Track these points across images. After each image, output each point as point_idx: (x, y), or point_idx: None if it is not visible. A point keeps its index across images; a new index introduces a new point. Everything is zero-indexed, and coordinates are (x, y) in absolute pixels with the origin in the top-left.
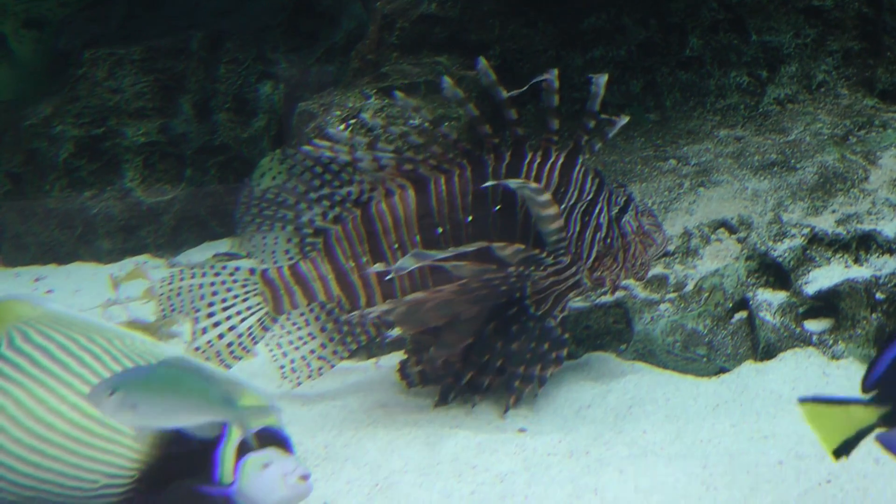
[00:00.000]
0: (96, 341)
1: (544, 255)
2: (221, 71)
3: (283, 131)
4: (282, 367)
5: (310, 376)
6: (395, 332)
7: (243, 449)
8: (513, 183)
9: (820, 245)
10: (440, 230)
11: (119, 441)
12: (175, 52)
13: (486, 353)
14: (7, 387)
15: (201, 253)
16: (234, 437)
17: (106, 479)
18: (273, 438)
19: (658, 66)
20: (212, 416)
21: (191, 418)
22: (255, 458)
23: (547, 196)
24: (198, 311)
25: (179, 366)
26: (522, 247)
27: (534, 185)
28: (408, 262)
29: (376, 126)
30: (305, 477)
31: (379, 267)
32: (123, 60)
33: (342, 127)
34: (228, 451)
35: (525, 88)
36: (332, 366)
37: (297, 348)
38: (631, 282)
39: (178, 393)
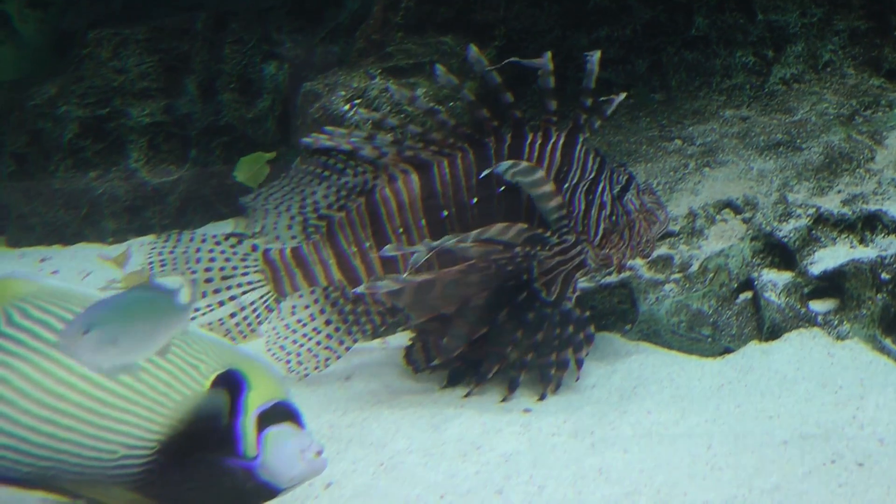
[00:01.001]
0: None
1: (548, 234)
2: (226, 51)
3: (287, 111)
4: (287, 359)
5: (317, 367)
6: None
7: (263, 423)
8: (502, 166)
9: (825, 225)
10: (445, 213)
11: (136, 412)
12: (180, 32)
13: (507, 345)
14: (12, 361)
15: (207, 232)
16: (252, 411)
17: (125, 450)
18: (287, 413)
19: (664, 45)
20: (179, 323)
21: (165, 337)
22: (275, 433)
23: (540, 174)
24: (194, 272)
25: (142, 290)
26: (525, 226)
27: (524, 163)
28: (421, 254)
29: (382, 105)
30: (321, 452)
31: (390, 249)
32: (128, 40)
33: (347, 107)
34: (248, 424)
35: (503, 65)
36: (339, 356)
37: (303, 338)
38: (637, 260)
39: (151, 316)
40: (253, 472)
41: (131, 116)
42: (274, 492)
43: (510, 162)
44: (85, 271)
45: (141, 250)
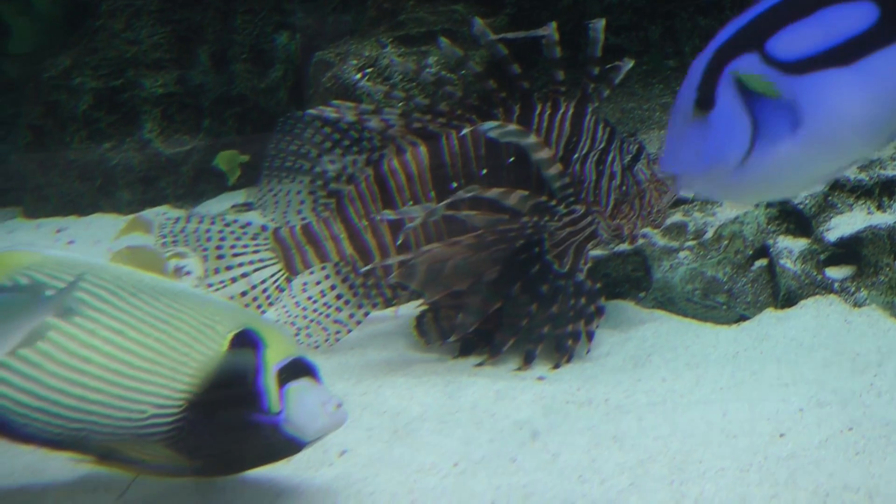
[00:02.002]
0: (106, 279)
1: (554, 202)
2: (238, 21)
3: (300, 81)
4: (297, 333)
5: (327, 341)
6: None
7: (282, 379)
8: (487, 125)
9: (842, 191)
10: (454, 184)
11: (162, 372)
12: (191, 2)
13: (523, 318)
14: None
15: (220, 203)
16: (272, 366)
17: (154, 409)
18: (304, 369)
19: (677, 11)
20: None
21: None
22: (295, 387)
23: (534, 139)
24: (206, 249)
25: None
26: (526, 193)
27: (515, 127)
28: (418, 219)
29: (393, 74)
30: (340, 405)
31: (390, 213)
32: (141, 11)
33: (358, 76)
34: (269, 380)
35: (506, 37)
36: (350, 330)
37: (314, 314)
38: (648, 230)
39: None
40: (278, 427)
41: (145, 87)
42: (299, 445)
43: (495, 123)
44: (100, 241)
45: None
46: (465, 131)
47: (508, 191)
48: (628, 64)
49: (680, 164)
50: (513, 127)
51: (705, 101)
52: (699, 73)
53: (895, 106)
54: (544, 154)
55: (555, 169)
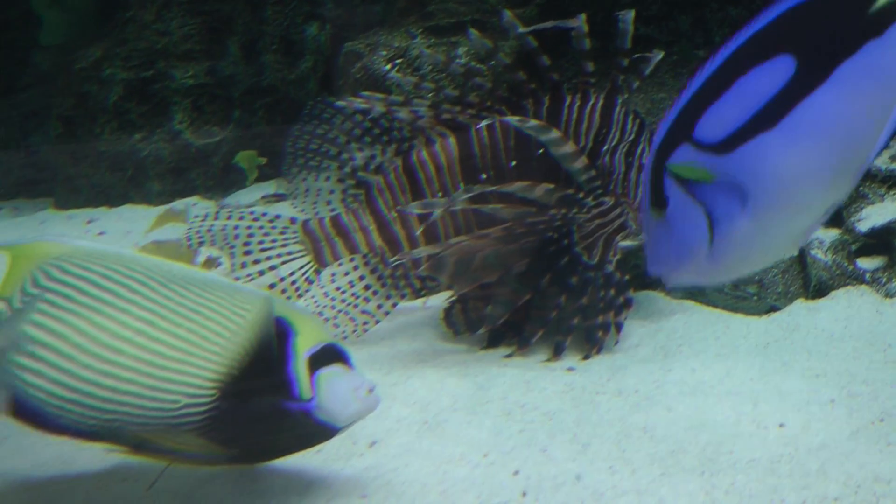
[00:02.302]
0: (136, 269)
1: (581, 195)
2: (268, 12)
3: (329, 72)
4: (325, 325)
5: (355, 331)
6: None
7: (314, 365)
8: (513, 120)
9: (873, 182)
10: (484, 176)
11: (193, 362)
12: None
13: (552, 310)
14: (62, 316)
15: (250, 194)
16: (302, 353)
17: (186, 399)
18: (335, 355)
19: (707, 1)
20: None
21: None
22: (326, 374)
23: (554, 134)
24: (233, 247)
25: None
26: (552, 185)
27: (536, 122)
28: (438, 211)
29: (423, 65)
30: (372, 389)
31: (413, 207)
32: (171, 3)
33: (388, 66)
34: (300, 367)
35: (535, 29)
36: (378, 321)
37: (342, 304)
38: None
39: None
40: (310, 414)
41: (175, 78)
42: (332, 431)
43: (518, 118)
44: (130, 232)
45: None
46: (483, 123)
47: (533, 184)
48: (658, 55)
49: (659, 265)
50: (534, 122)
51: (659, 200)
52: (648, 175)
53: (837, 153)
54: (568, 149)
55: (580, 163)
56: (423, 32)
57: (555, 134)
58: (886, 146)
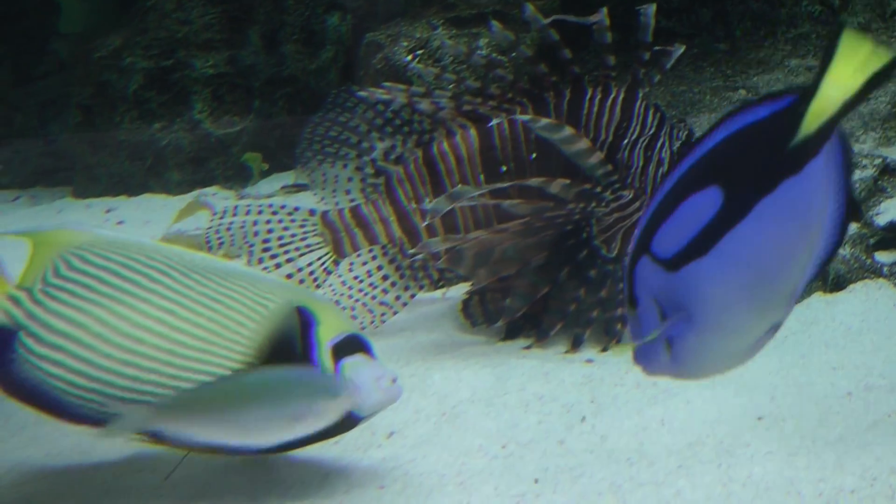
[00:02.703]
0: (157, 259)
1: (599, 189)
2: (289, 2)
3: (350, 63)
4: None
5: (373, 323)
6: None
7: (337, 354)
8: (524, 119)
9: (892, 176)
10: (504, 168)
11: (214, 351)
12: None
13: (571, 303)
14: (83, 306)
15: (270, 184)
16: (325, 343)
17: None
18: (358, 345)
19: None
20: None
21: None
22: (350, 363)
23: (567, 131)
24: (252, 245)
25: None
26: (567, 181)
27: (546, 120)
28: (441, 204)
29: (444, 56)
30: (395, 379)
31: (438, 201)
32: None
33: (409, 57)
34: (324, 356)
35: (556, 20)
36: (395, 312)
37: (360, 294)
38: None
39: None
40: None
41: (195, 68)
42: (356, 420)
43: (530, 116)
44: (150, 221)
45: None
46: (494, 122)
47: (549, 179)
48: (679, 49)
49: (639, 359)
50: (545, 121)
51: (632, 301)
52: (626, 273)
53: (761, 282)
54: (582, 145)
55: (595, 158)
56: (444, 23)
57: (567, 131)
58: (819, 273)
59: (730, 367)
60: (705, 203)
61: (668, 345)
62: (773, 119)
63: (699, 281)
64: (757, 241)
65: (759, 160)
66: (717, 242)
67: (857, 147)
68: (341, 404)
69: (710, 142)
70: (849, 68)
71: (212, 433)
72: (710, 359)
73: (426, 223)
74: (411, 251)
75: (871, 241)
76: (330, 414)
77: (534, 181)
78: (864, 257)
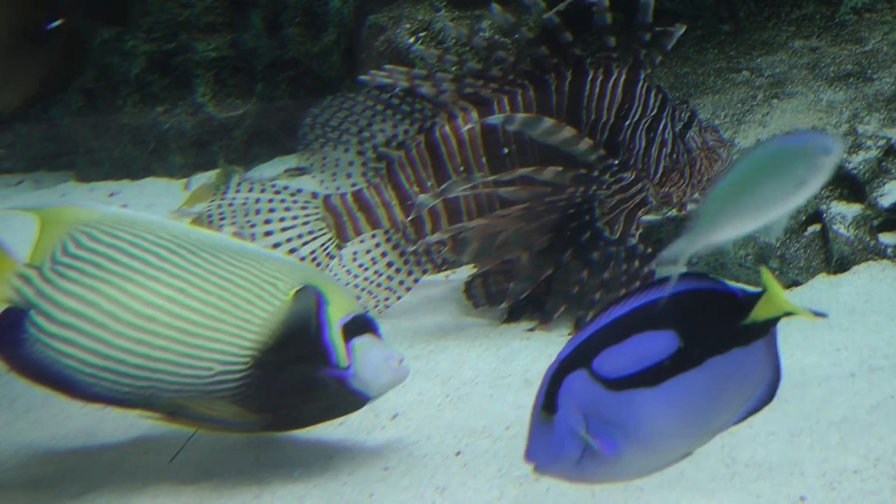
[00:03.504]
0: (164, 236)
1: (596, 173)
2: None
3: (353, 45)
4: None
5: (376, 307)
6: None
7: (347, 334)
8: (495, 119)
9: None
10: (506, 151)
11: (226, 329)
12: None
13: (574, 285)
14: (94, 284)
15: (273, 168)
16: (335, 322)
17: (220, 367)
18: (365, 325)
19: None
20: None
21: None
22: (360, 343)
23: (547, 123)
24: (253, 225)
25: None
26: (560, 168)
27: (521, 116)
28: (427, 200)
29: (447, 38)
30: (402, 360)
31: (424, 197)
32: None
33: (412, 40)
34: (335, 335)
35: (560, 8)
36: (399, 297)
37: (364, 281)
38: (698, 198)
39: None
40: (346, 382)
41: (197, 51)
42: (364, 400)
43: (502, 115)
44: (152, 205)
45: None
46: (466, 127)
47: (540, 168)
48: (680, 29)
49: (535, 457)
50: (521, 116)
51: (550, 406)
52: (547, 380)
53: (697, 422)
54: (566, 134)
55: (584, 145)
56: (446, 5)
57: (547, 123)
58: (743, 420)
59: (631, 479)
60: (661, 343)
61: (581, 454)
62: (730, 295)
63: (640, 407)
64: (700, 389)
65: (716, 325)
66: (665, 380)
67: (861, 128)
68: (834, 157)
69: (675, 288)
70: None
71: (742, 224)
72: (620, 471)
73: (410, 217)
74: (411, 248)
75: (875, 222)
76: (826, 170)
77: (522, 171)
78: (867, 239)
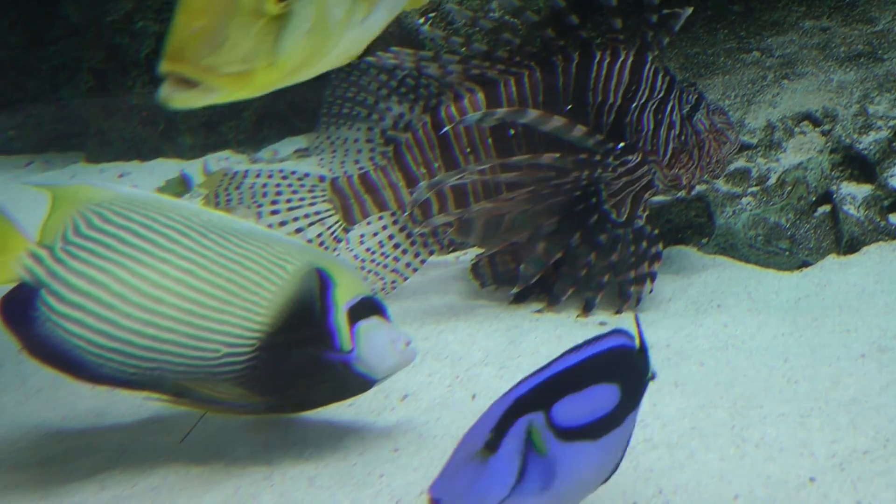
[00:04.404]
0: (175, 218)
1: (598, 157)
2: None
3: None
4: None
5: (383, 289)
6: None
7: (353, 316)
8: (471, 118)
9: None
10: (512, 132)
11: (233, 311)
12: None
13: (582, 268)
14: (103, 265)
15: (283, 148)
16: (342, 305)
17: (227, 349)
18: (373, 307)
19: None
20: None
21: None
22: (366, 326)
23: (533, 113)
24: (260, 206)
25: None
26: (558, 154)
27: (503, 110)
28: (421, 192)
29: (456, 19)
30: (409, 342)
31: (423, 192)
32: None
33: (421, 21)
34: (340, 318)
35: None
36: (406, 278)
37: (371, 264)
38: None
39: None
40: (350, 365)
41: None
42: (370, 382)
43: (482, 112)
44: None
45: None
46: (444, 130)
47: (537, 155)
48: (687, 11)
49: (447, 493)
50: (504, 110)
51: (493, 444)
52: (496, 417)
53: (610, 467)
54: (556, 122)
55: (578, 132)
56: None
57: (533, 114)
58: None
59: None
60: (609, 396)
61: (508, 494)
62: (641, 353)
63: (579, 459)
64: (619, 442)
65: (641, 381)
66: (606, 434)
67: (871, 109)
68: None
69: (613, 342)
70: None
71: None
72: None
73: (407, 213)
74: (417, 229)
75: (885, 203)
76: None
77: (518, 158)
78: (878, 219)
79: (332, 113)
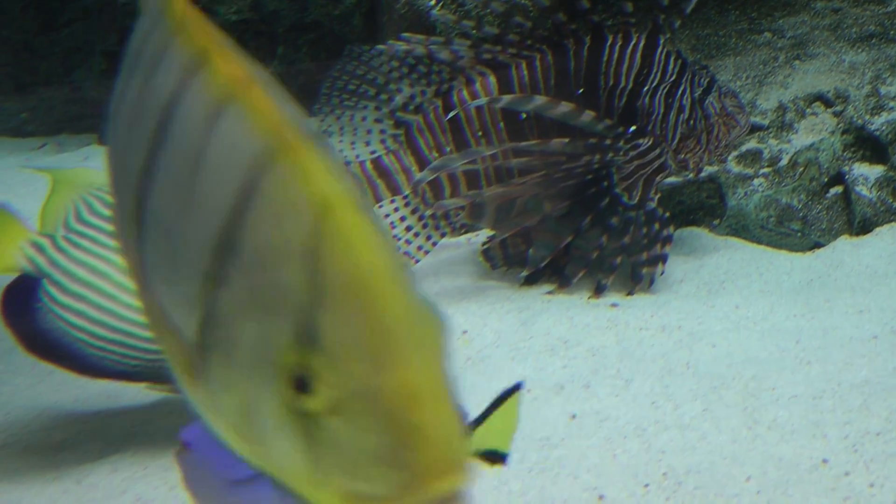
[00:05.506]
0: None
1: (609, 141)
2: None
3: (374, 8)
4: None
5: None
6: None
7: None
8: (483, 101)
9: None
10: (523, 115)
11: None
12: None
13: (593, 251)
14: (104, 254)
15: None
16: None
17: None
18: None
19: None
20: None
21: None
22: None
23: (540, 100)
24: None
25: None
26: (566, 140)
27: (511, 96)
28: (424, 175)
29: (468, 2)
30: None
31: (426, 174)
32: None
33: (432, 3)
34: None
35: None
36: (417, 261)
37: None
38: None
39: None
40: None
41: (219, 14)
42: None
43: (486, 98)
44: None
45: None
46: (453, 113)
47: (545, 141)
48: None
49: (195, 438)
50: (509, 96)
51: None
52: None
53: None
54: (564, 108)
55: (586, 117)
56: None
57: (540, 100)
58: None
59: None
60: None
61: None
62: None
63: None
64: None
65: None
66: None
67: (883, 89)
68: None
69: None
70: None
71: None
72: None
73: (406, 194)
74: (429, 211)
75: None
76: None
77: (525, 144)
78: (890, 200)
79: (336, 87)
